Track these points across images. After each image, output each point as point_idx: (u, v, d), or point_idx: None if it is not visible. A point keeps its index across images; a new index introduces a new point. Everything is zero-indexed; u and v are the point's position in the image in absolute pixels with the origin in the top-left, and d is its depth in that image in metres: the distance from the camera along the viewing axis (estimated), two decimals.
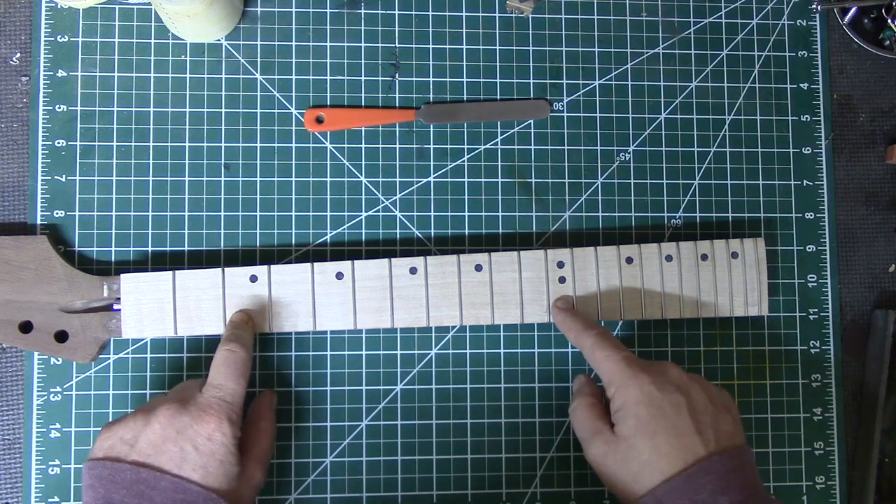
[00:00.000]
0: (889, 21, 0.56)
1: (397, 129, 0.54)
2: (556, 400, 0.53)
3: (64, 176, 0.52)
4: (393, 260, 0.50)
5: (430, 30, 0.55)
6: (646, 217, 0.55)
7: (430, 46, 0.54)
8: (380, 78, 0.54)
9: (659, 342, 0.54)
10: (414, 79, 0.54)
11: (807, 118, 0.56)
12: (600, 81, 0.55)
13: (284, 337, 0.52)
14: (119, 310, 0.49)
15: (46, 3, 0.52)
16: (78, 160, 0.52)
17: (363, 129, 0.54)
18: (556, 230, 0.54)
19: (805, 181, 0.56)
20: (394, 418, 0.52)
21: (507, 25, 0.55)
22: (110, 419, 0.51)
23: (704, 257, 0.51)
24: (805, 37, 0.57)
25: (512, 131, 0.54)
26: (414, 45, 0.54)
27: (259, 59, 0.53)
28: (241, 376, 0.45)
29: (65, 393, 0.51)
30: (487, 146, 0.54)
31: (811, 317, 0.55)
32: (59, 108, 0.52)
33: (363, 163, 0.53)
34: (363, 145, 0.54)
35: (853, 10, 0.57)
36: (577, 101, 0.55)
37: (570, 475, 0.53)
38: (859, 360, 0.56)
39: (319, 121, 0.53)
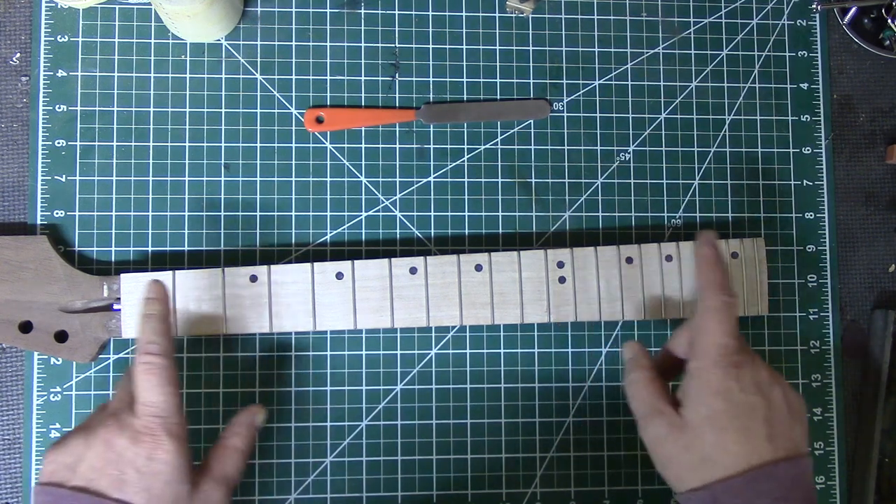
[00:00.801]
0: (889, 21, 0.56)
1: (397, 129, 0.54)
2: (556, 400, 0.53)
3: (64, 176, 0.52)
4: (393, 260, 0.50)
5: (430, 30, 0.55)
6: (646, 217, 0.55)
7: (430, 46, 0.54)
8: (380, 78, 0.54)
9: (659, 342, 0.54)
10: (414, 79, 0.54)
11: (807, 118, 0.56)
12: (600, 81, 0.55)
13: (284, 337, 0.52)
14: (119, 310, 0.49)
15: (46, 3, 0.52)
16: (78, 160, 0.52)
17: (363, 129, 0.54)
18: (556, 230, 0.54)
19: (805, 181, 0.56)
20: (394, 418, 0.52)
21: (507, 25, 0.55)
22: None
23: None
24: (805, 37, 0.57)
25: (512, 131, 0.54)
26: (414, 45, 0.54)
27: (259, 59, 0.53)
28: (167, 384, 0.42)
29: (65, 393, 0.51)
30: (487, 146, 0.54)
31: (811, 317, 0.55)
32: (59, 108, 0.52)
33: (363, 163, 0.53)
34: (363, 145, 0.54)
35: (853, 10, 0.57)
36: (577, 101, 0.55)
37: (570, 475, 0.53)
38: (859, 360, 0.56)
39: (319, 121, 0.53)
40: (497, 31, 0.55)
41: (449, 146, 0.54)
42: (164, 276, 0.48)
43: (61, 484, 0.40)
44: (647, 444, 0.43)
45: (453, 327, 0.53)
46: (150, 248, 0.52)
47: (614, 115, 0.55)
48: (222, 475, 0.44)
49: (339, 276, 0.49)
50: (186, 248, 0.52)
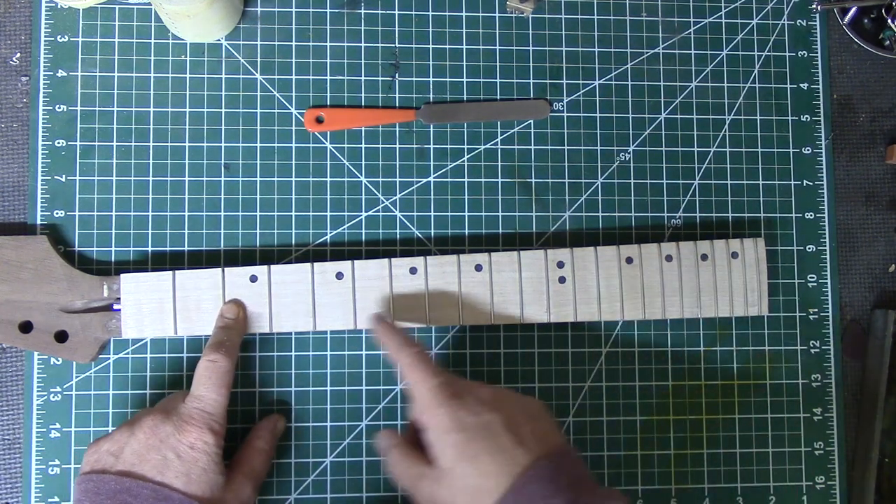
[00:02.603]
0: (889, 21, 0.56)
1: (397, 129, 0.54)
2: (555, 400, 0.53)
3: (64, 176, 0.52)
4: (393, 260, 0.50)
5: (430, 30, 0.55)
6: (646, 217, 0.55)
7: (430, 46, 0.54)
8: (380, 78, 0.54)
9: (659, 342, 0.54)
10: (414, 79, 0.54)
11: (807, 118, 0.56)
12: (600, 81, 0.55)
13: (284, 337, 0.52)
14: (119, 310, 0.49)
15: (46, 3, 0.52)
16: (78, 160, 0.52)
17: (363, 129, 0.54)
18: (556, 230, 0.54)
19: (805, 181, 0.56)
20: (394, 418, 0.52)
21: (507, 25, 0.55)
22: (110, 419, 0.51)
23: (704, 257, 0.51)
24: (805, 37, 0.57)
25: (512, 131, 0.54)
26: (414, 45, 0.54)
27: (259, 59, 0.53)
28: (223, 386, 0.45)
29: (65, 393, 0.51)
30: (487, 146, 0.54)
31: (811, 317, 0.55)
32: (59, 108, 0.52)
33: (363, 163, 0.53)
34: (363, 145, 0.54)
35: (853, 10, 0.57)
36: (577, 101, 0.55)
37: None
38: (859, 360, 0.56)
39: (319, 121, 0.53)
40: (497, 31, 0.55)
41: (449, 146, 0.54)
42: (164, 276, 0.48)
43: (105, 470, 0.43)
44: None
45: (453, 327, 0.53)
46: (150, 248, 0.52)
47: (614, 115, 0.55)
48: (251, 471, 0.47)
49: (339, 276, 0.49)
50: (186, 248, 0.52)
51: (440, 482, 0.42)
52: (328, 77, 0.54)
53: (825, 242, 0.56)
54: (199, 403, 0.44)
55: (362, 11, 0.54)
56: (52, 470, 0.50)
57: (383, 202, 0.53)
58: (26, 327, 0.48)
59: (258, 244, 0.52)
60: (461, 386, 0.44)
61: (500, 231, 0.54)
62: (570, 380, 0.53)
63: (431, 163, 0.54)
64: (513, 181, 0.54)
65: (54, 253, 0.48)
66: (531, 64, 0.55)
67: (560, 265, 0.51)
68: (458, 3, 0.55)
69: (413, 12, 0.55)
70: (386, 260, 0.50)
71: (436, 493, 0.42)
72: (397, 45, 0.54)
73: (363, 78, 0.54)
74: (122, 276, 0.48)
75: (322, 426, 0.52)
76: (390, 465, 0.46)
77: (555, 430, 0.44)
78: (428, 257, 0.50)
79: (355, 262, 0.49)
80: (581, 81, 0.55)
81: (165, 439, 0.43)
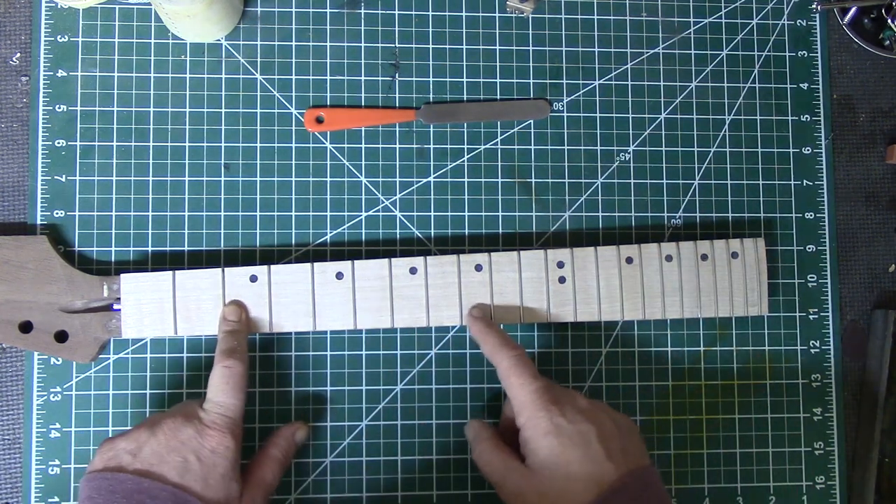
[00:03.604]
0: (889, 21, 0.56)
1: (397, 129, 0.54)
2: None
3: (64, 176, 0.52)
4: (393, 260, 0.50)
5: (430, 30, 0.55)
6: (646, 217, 0.55)
7: (430, 46, 0.54)
8: (380, 78, 0.54)
9: (659, 342, 0.54)
10: (414, 79, 0.54)
11: (807, 118, 0.56)
12: (600, 81, 0.55)
13: (284, 337, 0.52)
14: (119, 310, 0.49)
15: (46, 3, 0.52)
16: (78, 160, 0.52)
17: (363, 129, 0.54)
18: (556, 230, 0.54)
19: (805, 181, 0.56)
20: (394, 418, 0.52)
21: (507, 25, 0.55)
22: (110, 419, 0.51)
23: (704, 257, 0.51)
24: (805, 37, 0.57)
25: (512, 131, 0.54)
26: (414, 45, 0.54)
27: (259, 59, 0.53)
28: (240, 390, 0.45)
29: (65, 393, 0.51)
30: (487, 146, 0.54)
31: (811, 317, 0.55)
32: (59, 108, 0.52)
33: (363, 163, 0.53)
34: (363, 145, 0.54)
35: (853, 10, 0.57)
36: (577, 101, 0.55)
37: None
38: (859, 360, 0.56)
39: (319, 121, 0.53)
40: (497, 31, 0.55)
41: (449, 146, 0.54)
42: (164, 277, 0.48)
43: (121, 468, 0.42)
44: (508, 503, 0.44)
45: (453, 327, 0.53)
46: (150, 248, 0.52)
47: (614, 115, 0.55)
48: (262, 481, 0.46)
49: (339, 276, 0.49)
50: (186, 248, 0.52)
51: (528, 479, 0.43)
52: (328, 77, 0.54)
53: (825, 242, 0.56)
54: (220, 409, 0.44)
55: (362, 11, 0.54)
56: (52, 470, 0.50)
57: (383, 202, 0.53)
58: (26, 327, 0.48)
59: (258, 244, 0.52)
60: (560, 392, 0.45)
61: (500, 231, 0.54)
62: (570, 380, 0.53)
63: (431, 163, 0.54)
64: (513, 181, 0.54)
65: (54, 253, 0.48)
66: (531, 64, 0.55)
67: (560, 265, 0.51)
68: (458, 3, 0.55)
69: (413, 12, 0.55)
70: (386, 260, 0.50)
71: (523, 489, 0.43)
72: (397, 45, 0.54)
73: (363, 78, 0.54)
74: (122, 276, 0.48)
75: (322, 426, 0.52)
76: (478, 455, 0.47)
77: (642, 448, 0.45)
78: (428, 257, 0.50)
79: (355, 262, 0.49)
80: (581, 81, 0.55)
81: (187, 441, 0.43)
